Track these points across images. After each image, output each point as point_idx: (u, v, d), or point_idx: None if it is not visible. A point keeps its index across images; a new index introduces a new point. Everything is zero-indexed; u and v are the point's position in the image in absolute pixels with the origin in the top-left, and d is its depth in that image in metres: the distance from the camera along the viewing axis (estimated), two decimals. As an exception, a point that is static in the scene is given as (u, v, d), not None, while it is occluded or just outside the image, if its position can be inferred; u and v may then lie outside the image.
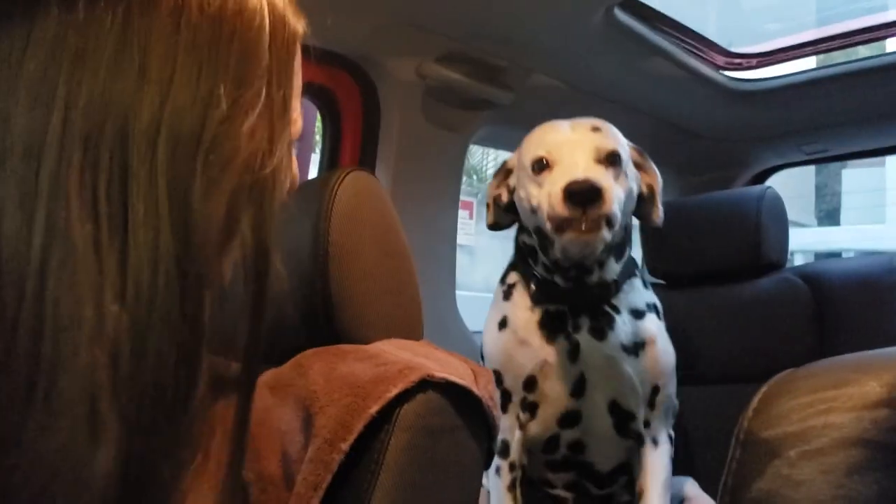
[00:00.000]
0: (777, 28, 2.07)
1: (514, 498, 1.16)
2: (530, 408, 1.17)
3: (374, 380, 0.63)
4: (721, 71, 1.76)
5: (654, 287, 1.32)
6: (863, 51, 1.78)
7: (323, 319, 0.76)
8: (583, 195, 0.99)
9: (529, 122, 1.83)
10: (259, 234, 0.48)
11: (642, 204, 1.18)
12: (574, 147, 1.07)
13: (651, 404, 1.17)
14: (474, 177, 9.52)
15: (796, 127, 1.94)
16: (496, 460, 1.17)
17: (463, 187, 1.71)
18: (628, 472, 1.22)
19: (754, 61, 1.79)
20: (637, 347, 1.15)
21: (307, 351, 0.74)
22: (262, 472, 0.63)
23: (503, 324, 1.19)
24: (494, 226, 1.24)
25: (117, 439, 0.39)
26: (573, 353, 1.13)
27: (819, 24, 1.92)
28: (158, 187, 0.42)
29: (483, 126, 1.65)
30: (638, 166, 1.17)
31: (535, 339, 1.15)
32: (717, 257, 1.56)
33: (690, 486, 1.31)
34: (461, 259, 1.74)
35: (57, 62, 0.41)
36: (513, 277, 1.23)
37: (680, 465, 1.26)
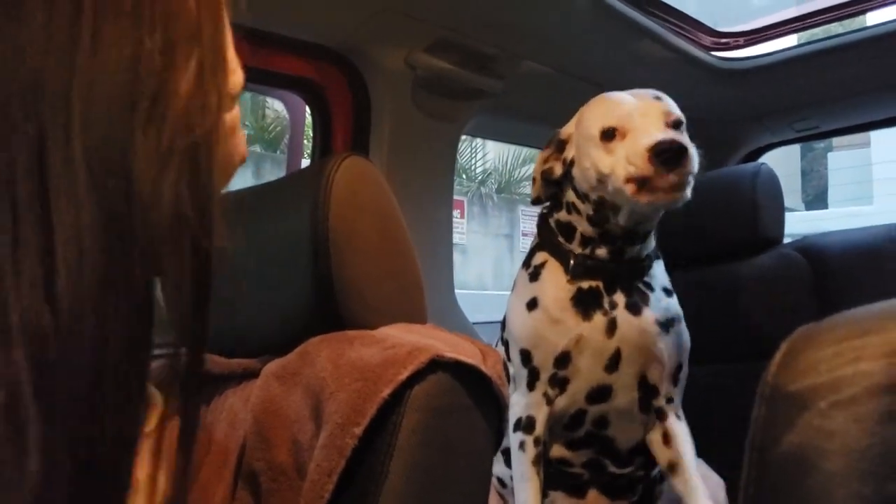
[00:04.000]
0: (761, 5, 2.07)
1: (538, 472, 1.16)
2: (560, 383, 1.17)
3: (384, 363, 0.63)
4: (709, 51, 1.76)
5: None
6: (836, 27, 1.79)
7: (326, 307, 0.75)
8: (672, 153, 1.01)
9: (521, 111, 1.83)
10: (199, 208, 0.42)
11: None
12: (645, 114, 1.09)
13: (674, 380, 1.19)
14: (464, 176, 9.53)
15: (786, 104, 1.94)
16: (520, 435, 1.17)
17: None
18: (645, 453, 1.21)
19: (741, 40, 1.79)
20: (668, 324, 1.17)
21: (313, 339, 0.73)
22: (272, 462, 0.62)
23: (532, 304, 1.19)
24: (538, 200, 1.25)
25: (43, 448, 0.35)
26: (610, 328, 1.14)
27: (798, 1, 1.92)
28: (76, 158, 0.37)
29: (475, 116, 1.64)
30: None
31: (570, 316, 1.15)
32: (714, 235, 1.56)
33: (697, 464, 1.30)
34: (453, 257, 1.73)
35: None
36: (540, 258, 1.23)
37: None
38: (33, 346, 0.36)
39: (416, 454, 0.60)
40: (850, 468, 0.37)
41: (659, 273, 1.21)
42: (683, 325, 1.21)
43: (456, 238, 1.71)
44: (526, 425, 1.17)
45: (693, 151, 1.05)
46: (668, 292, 1.21)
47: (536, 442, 1.17)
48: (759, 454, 0.40)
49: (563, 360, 1.15)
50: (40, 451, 0.35)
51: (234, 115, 0.52)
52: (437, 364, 0.63)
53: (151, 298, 0.41)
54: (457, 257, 1.70)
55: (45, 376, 0.36)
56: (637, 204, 1.06)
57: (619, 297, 1.15)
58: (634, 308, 1.15)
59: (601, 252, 1.16)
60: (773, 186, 1.52)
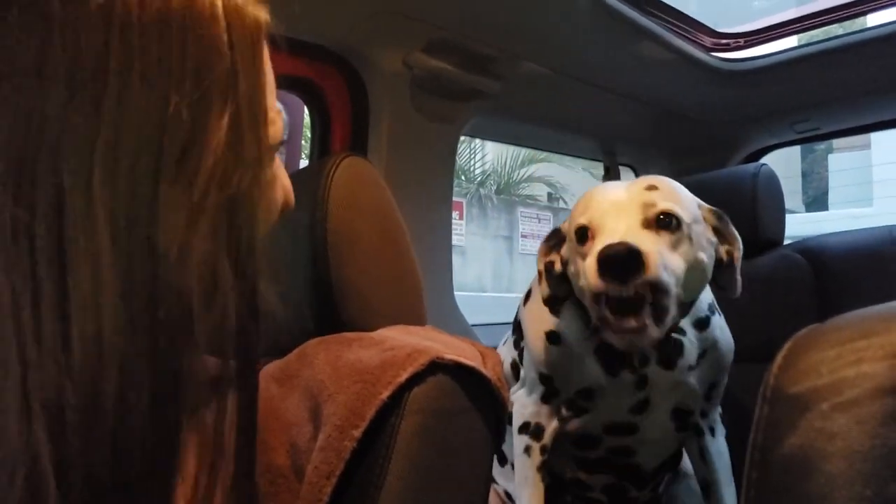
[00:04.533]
0: (762, 6, 2.07)
1: (543, 479, 1.10)
2: (578, 410, 1.08)
3: (383, 365, 0.62)
4: (709, 52, 1.76)
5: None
6: (837, 28, 1.79)
7: (325, 308, 0.74)
8: (620, 262, 0.84)
9: (520, 112, 1.83)
10: (238, 261, 0.42)
11: (720, 273, 1.00)
12: (619, 211, 0.92)
13: (708, 398, 1.10)
14: (462, 177, 9.53)
15: (787, 105, 1.94)
16: (527, 440, 1.10)
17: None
18: (671, 466, 1.16)
19: (742, 41, 1.79)
20: (700, 358, 1.06)
21: (311, 340, 0.72)
22: (270, 464, 0.62)
23: (555, 338, 1.06)
24: (551, 299, 1.05)
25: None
26: (639, 384, 1.03)
27: (799, 2, 1.92)
28: (97, 214, 0.36)
29: (474, 116, 1.64)
30: (717, 231, 1.01)
31: (593, 363, 1.03)
32: (714, 237, 1.55)
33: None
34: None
35: None
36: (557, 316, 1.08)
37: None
38: (52, 419, 0.35)
39: (415, 456, 0.60)
40: (851, 470, 0.36)
41: (696, 306, 1.04)
42: (722, 348, 1.08)
43: (455, 240, 1.70)
44: (534, 431, 1.10)
45: (661, 258, 0.86)
46: (701, 325, 1.06)
47: (543, 450, 1.10)
48: (761, 456, 0.40)
49: (586, 394, 1.07)
50: None
51: (275, 164, 0.50)
52: (437, 366, 0.63)
53: (179, 355, 0.40)
54: (455, 259, 1.69)
55: (64, 450, 0.35)
56: (623, 347, 0.92)
57: (651, 352, 1.01)
58: (668, 363, 1.02)
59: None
60: (773, 187, 1.52)
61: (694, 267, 0.92)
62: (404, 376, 0.61)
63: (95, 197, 0.36)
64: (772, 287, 1.48)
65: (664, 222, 0.91)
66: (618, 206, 0.93)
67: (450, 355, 0.64)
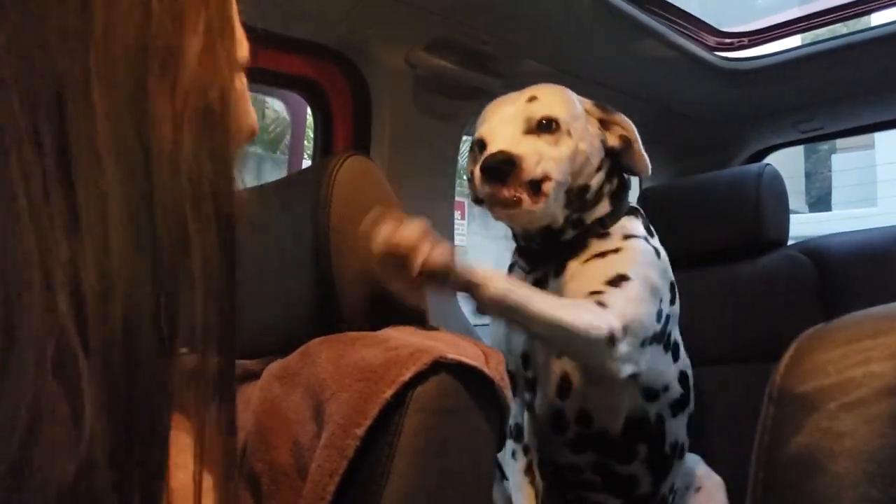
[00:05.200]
0: (765, 5, 2.07)
1: (532, 481, 1.14)
2: (531, 385, 1.16)
3: (386, 364, 0.62)
4: (712, 51, 1.75)
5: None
6: (841, 28, 1.78)
7: (328, 308, 0.74)
8: (496, 169, 0.99)
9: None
10: (218, 172, 0.43)
11: (624, 157, 1.15)
12: (505, 123, 1.06)
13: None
14: (464, 176, 9.52)
15: (790, 105, 1.93)
16: (511, 444, 1.16)
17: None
18: (644, 436, 1.15)
19: (745, 40, 1.79)
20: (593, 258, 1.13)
21: (314, 340, 0.72)
22: (273, 463, 0.62)
23: None
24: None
25: (95, 393, 0.36)
26: None
27: (802, 1, 1.92)
28: (95, 116, 0.37)
29: (475, 115, 1.63)
30: (604, 122, 1.14)
31: None
32: (717, 237, 1.55)
33: (699, 466, 1.30)
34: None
35: None
36: (510, 260, 1.21)
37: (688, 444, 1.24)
38: (74, 302, 0.36)
39: (418, 455, 0.60)
40: (858, 470, 0.36)
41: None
42: (622, 252, 1.09)
43: (456, 239, 1.69)
44: (515, 434, 1.16)
45: (537, 158, 1.01)
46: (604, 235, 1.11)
47: (525, 450, 1.16)
48: (767, 455, 0.40)
49: (525, 360, 1.14)
50: (94, 409, 0.36)
51: (242, 82, 0.53)
52: (440, 365, 0.63)
53: (179, 267, 0.41)
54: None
55: (87, 334, 0.36)
56: (501, 220, 1.06)
57: (553, 274, 1.11)
58: (560, 271, 1.10)
59: (535, 245, 1.14)
60: (777, 187, 1.51)
61: (576, 155, 1.08)
62: (407, 375, 0.61)
63: (94, 98, 0.38)
64: (775, 287, 1.47)
65: (545, 126, 1.06)
66: (504, 118, 1.07)
67: (453, 355, 0.64)
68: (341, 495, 0.58)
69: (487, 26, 1.42)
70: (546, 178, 1.02)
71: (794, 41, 1.83)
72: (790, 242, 1.57)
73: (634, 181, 2.03)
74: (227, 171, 0.44)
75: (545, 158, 1.03)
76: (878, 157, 11.26)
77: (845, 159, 12.02)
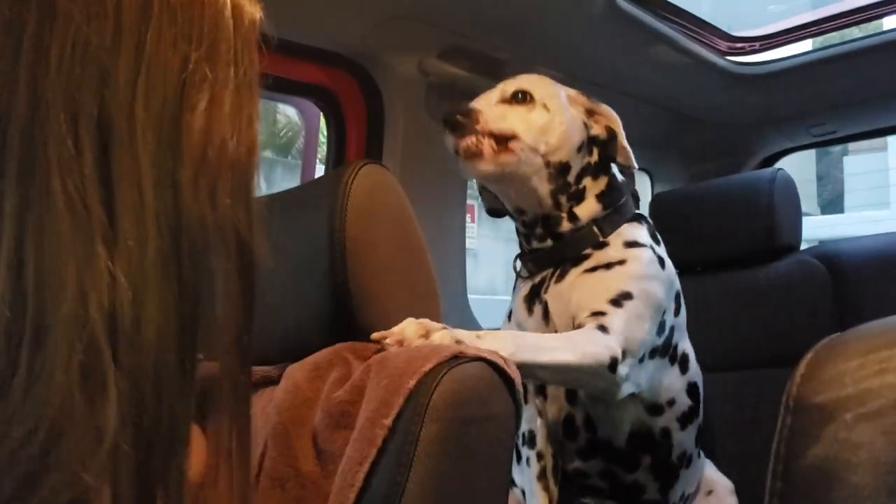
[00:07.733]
0: (777, 9, 2.06)
1: (546, 487, 1.15)
2: (541, 391, 1.16)
3: (409, 360, 0.65)
4: (724, 56, 1.75)
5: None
6: (856, 31, 1.77)
7: (344, 315, 0.75)
8: (452, 117, 1.06)
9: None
10: (244, 225, 0.45)
11: (610, 149, 1.17)
12: (488, 96, 1.13)
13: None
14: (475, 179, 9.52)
15: (803, 109, 1.93)
16: (525, 450, 1.16)
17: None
18: (649, 448, 1.16)
19: (757, 45, 1.78)
20: (595, 270, 1.14)
21: (336, 346, 0.73)
22: (299, 469, 0.64)
23: (510, 316, 1.19)
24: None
25: (122, 393, 0.37)
26: (545, 314, 1.11)
27: (814, 5, 1.91)
28: (137, 137, 0.39)
29: (488, 121, 1.64)
30: (590, 112, 1.17)
31: (524, 316, 1.14)
32: (730, 242, 1.55)
33: (709, 469, 1.29)
34: (463, 263, 1.73)
35: (25, 7, 0.38)
36: (518, 267, 1.22)
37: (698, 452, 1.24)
38: (106, 315, 0.37)
39: (442, 441, 0.62)
40: (876, 481, 0.36)
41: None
42: (626, 264, 1.09)
43: (467, 243, 1.70)
44: (528, 440, 1.17)
45: (497, 114, 1.07)
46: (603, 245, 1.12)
47: (539, 457, 1.16)
48: (784, 466, 0.40)
49: None
50: (118, 421, 0.37)
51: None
52: (460, 358, 0.65)
53: (199, 299, 0.42)
54: (467, 262, 1.70)
55: (117, 345, 0.38)
56: (469, 174, 1.12)
57: (553, 280, 1.12)
58: (560, 277, 1.11)
59: (540, 244, 1.14)
60: (789, 192, 1.51)
61: (552, 126, 1.11)
62: (428, 366, 0.63)
63: (137, 120, 0.40)
64: (789, 293, 1.47)
65: (519, 98, 1.12)
66: (489, 94, 1.14)
67: (471, 350, 0.67)
68: (369, 480, 0.60)
69: (500, 33, 1.42)
70: (514, 136, 1.07)
71: (805, 45, 1.82)
72: (802, 245, 1.56)
73: (645, 189, 2.03)
74: (249, 231, 0.46)
75: (511, 117, 1.08)
76: (891, 160, 11.18)
77: (857, 162, 11.94)
